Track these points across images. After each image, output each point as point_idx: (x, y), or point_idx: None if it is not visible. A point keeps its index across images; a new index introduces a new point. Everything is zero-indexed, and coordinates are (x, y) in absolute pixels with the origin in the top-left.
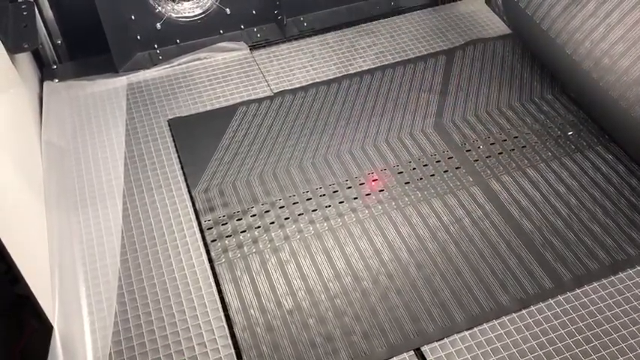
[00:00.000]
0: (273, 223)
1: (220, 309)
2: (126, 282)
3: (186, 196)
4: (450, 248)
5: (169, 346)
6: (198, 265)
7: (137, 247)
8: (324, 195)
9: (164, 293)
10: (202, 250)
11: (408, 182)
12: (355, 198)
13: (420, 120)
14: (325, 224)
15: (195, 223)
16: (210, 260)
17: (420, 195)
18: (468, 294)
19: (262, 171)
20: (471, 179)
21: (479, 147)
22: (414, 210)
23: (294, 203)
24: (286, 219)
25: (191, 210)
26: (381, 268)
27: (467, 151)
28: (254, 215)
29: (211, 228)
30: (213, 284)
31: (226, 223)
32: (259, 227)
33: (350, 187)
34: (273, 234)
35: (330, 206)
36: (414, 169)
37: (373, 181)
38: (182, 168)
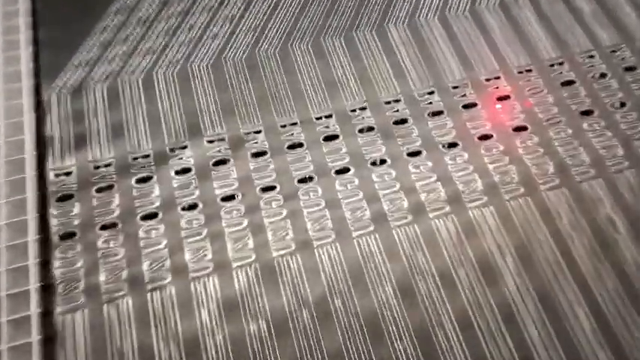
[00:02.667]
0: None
1: None
2: None
3: (27, 101)
4: None
5: None
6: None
7: None
8: (366, 136)
9: None
10: (33, 270)
11: (591, 112)
12: (450, 147)
13: None
14: (344, 233)
15: (29, 169)
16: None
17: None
18: None
19: (217, 53)
20: None
21: None
22: (601, 193)
23: (265, 150)
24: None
25: (29, 137)
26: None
27: None
28: (180, 173)
29: (67, 198)
30: None
31: (105, 190)
32: (190, 209)
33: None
34: (205, 232)
35: (377, 164)
36: (601, 76)
37: (498, 101)
38: (35, 34)
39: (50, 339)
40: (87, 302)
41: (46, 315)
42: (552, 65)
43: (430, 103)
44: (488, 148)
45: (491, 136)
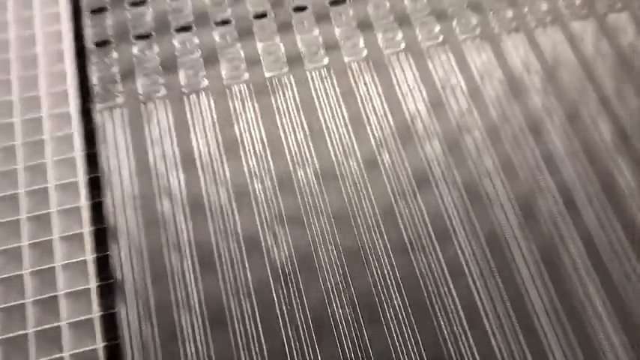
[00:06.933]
0: None
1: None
2: None
3: None
4: None
5: None
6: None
7: None
8: None
9: None
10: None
11: None
12: None
13: None
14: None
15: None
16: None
17: None
18: None
19: None
20: None
21: None
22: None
23: None
24: None
25: None
26: None
27: None
28: None
29: (100, 10)
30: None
31: (139, 4)
32: (223, 24)
33: None
34: (239, 46)
35: None
36: None
37: None
38: None
39: (90, 133)
40: (125, 101)
41: (86, 113)
42: None
43: None
44: None
45: None
